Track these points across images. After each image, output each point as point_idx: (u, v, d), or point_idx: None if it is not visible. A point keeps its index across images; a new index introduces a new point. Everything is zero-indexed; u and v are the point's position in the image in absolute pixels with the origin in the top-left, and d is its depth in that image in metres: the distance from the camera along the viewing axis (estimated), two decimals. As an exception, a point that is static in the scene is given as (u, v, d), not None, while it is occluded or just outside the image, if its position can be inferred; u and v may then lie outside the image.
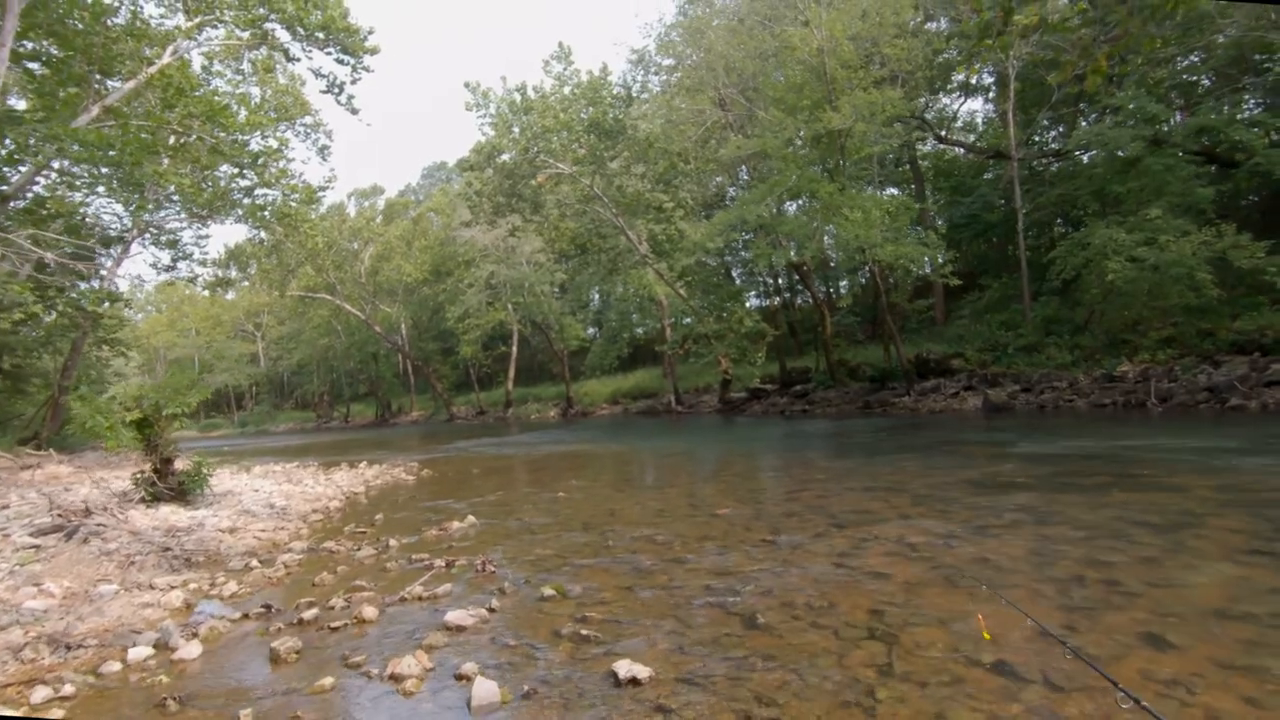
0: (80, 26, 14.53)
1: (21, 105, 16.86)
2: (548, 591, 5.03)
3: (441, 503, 9.92)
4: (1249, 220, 19.79)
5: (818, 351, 28.08)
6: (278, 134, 20.41)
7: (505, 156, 26.98)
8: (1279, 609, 3.83)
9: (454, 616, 4.53)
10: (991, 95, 29.27)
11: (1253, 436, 10.66)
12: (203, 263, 25.49)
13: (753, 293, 37.72)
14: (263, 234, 25.74)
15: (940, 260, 21.44)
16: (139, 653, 4.25)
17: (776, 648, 3.79)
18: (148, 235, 23.03)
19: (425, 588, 5.30)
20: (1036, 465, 9.33)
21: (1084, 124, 24.51)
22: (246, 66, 21.51)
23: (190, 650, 4.28)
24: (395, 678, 3.68)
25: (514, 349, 41.64)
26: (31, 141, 14.60)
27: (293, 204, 20.36)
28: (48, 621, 4.83)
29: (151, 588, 5.78)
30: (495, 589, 5.25)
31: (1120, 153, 19.82)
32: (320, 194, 22.64)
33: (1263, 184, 19.45)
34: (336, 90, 19.10)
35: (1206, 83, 22.76)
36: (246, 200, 20.54)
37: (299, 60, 18.76)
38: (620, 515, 7.99)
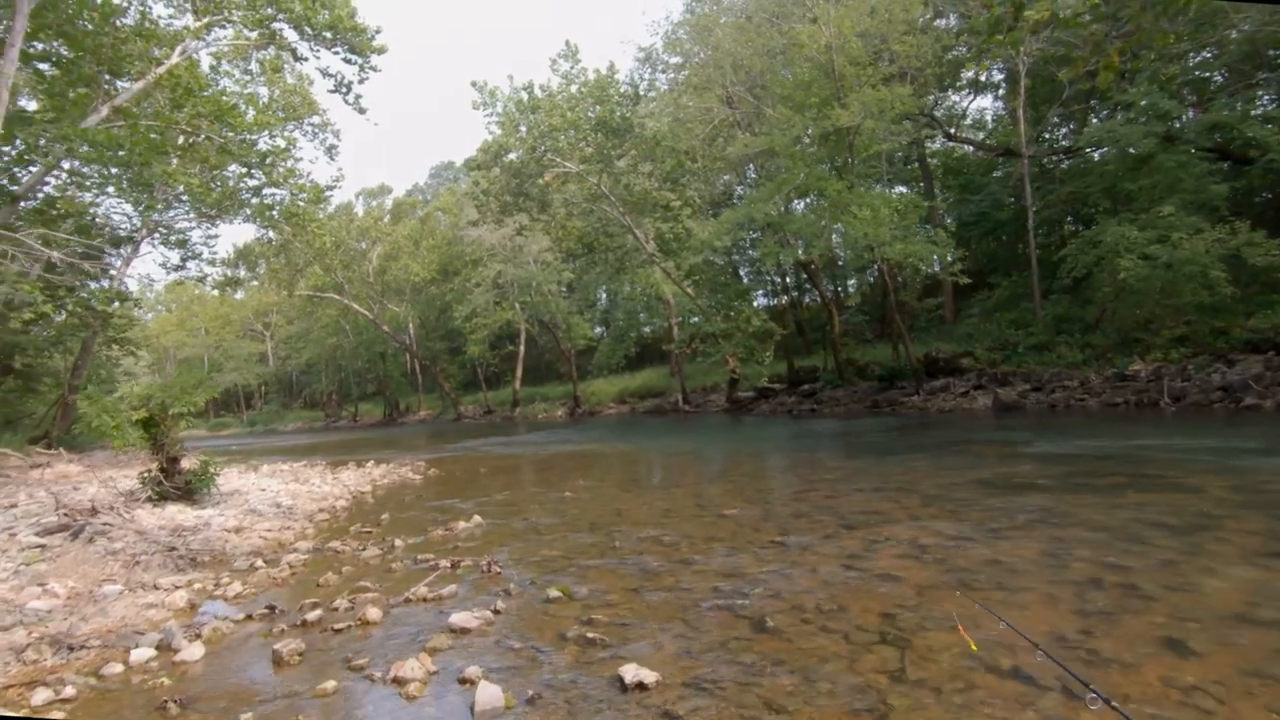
0: (90, 27, 14.59)
1: (32, 106, 16.95)
2: (553, 593, 4.97)
3: (448, 502, 9.88)
4: (1263, 217, 19.56)
5: (826, 350, 27.96)
6: (285, 133, 20.46)
7: (512, 155, 26.94)
8: (1302, 614, 3.74)
9: (458, 618, 4.47)
10: (1001, 92, 29.10)
11: (1269, 436, 10.52)
12: (212, 262, 25.64)
13: (760, 291, 37.62)
14: (271, 233, 25.84)
15: (949, 258, 21.28)
16: (141, 654, 4.22)
17: (786, 652, 3.72)
18: (157, 235, 23.13)
19: (430, 589, 5.25)
20: (1049, 465, 9.22)
21: (1095, 121, 24.29)
22: (254, 66, 21.58)
23: (193, 652, 4.25)
24: (398, 681, 3.62)
25: (521, 348, 41.66)
26: (42, 142, 14.69)
27: (301, 203, 20.42)
28: (51, 622, 4.81)
29: (156, 588, 5.76)
30: (500, 590, 5.20)
31: (1132, 150, 19.62)
32: (328, 193, 22.69)
33: (1277, 181, 19.27)
34: (344, 90, 19.08)
35: (1219, 79, 22.53)
36: (255, 200, 20.62)
37: (307, 60, 18.77)
38: (627, 515, 7.93)
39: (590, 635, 4.13)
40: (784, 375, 27.83)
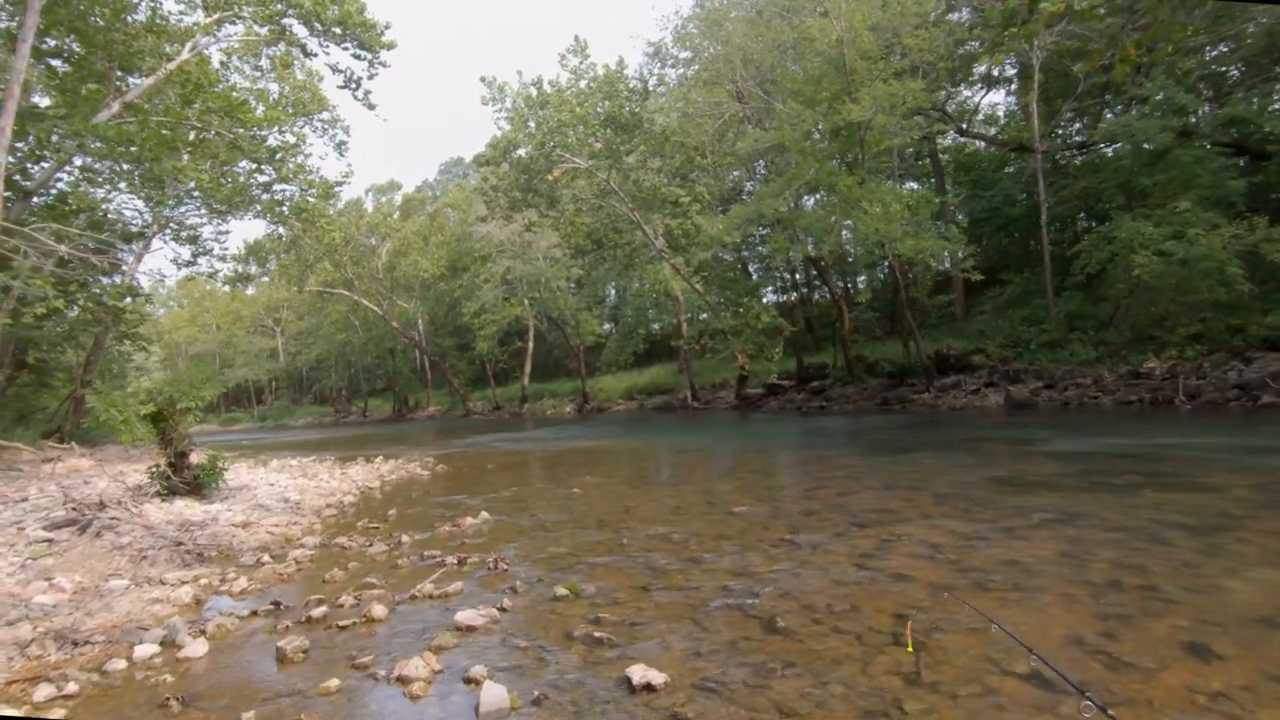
0: (101, 23, 14.62)
1: (44, 102, 17.02)
2: (561, 591, 4.91)
3: (456, 498, 9.85)
4: (1281, 213, 19.27)
5: (835, 347, 27.79)
6: (295, 129, 20.52)
7: (521, 151, 26.93)
8: (1330, 618, 3.63)
9: (464, 616, 4.42)
10: (1014, 87, 28.80)
11: (1288, 435, 10.34)
12: (222, 258, 25.78)
13: (770, 288, 37.50)
14: (281, 229, 25.93)
15: (961, 254, 21.09)
16: (145, 650, 4.18)
17: (797, 653, 3.64)
18: (168, 231, 23.26)
19: (436, 585, 5.20)
20: (1062, 463, 9.10)
21: (1109, 116, 24.00)
22: (265, 63, 21.64)
23: (196, 648, 4.21)
24: (402, 680, 3.57)
25: (530, 344, 41.66)
26: (54, 137, 14.76)
27: (310, 199, 20.48)
28: (56, 617, 4.78)
29: (162, 583, 5.73)
30: (507, 587, 5.14)
31: (1147, 145, 19.37)
32: (337, 189, 22.74)
33: (1295, 176, 18.95)
34: (354, 85, 19.08)
35: (1236, 73, 22.20)
36: (265, 196, 20.69)
37: (316, 56, 18.77)
38: (635, 512, 7.87)
39: (598, 634, 4.06)
40: (793, 372, 27.71)
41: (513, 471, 13.24)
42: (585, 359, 39.13)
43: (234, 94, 16.86)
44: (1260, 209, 18.08)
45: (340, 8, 17.39)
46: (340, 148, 23.79)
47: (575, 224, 28.99)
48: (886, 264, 24.04)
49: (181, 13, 17.36)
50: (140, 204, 20.78)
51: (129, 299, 21.04)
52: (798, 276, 35.30)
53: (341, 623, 4.54)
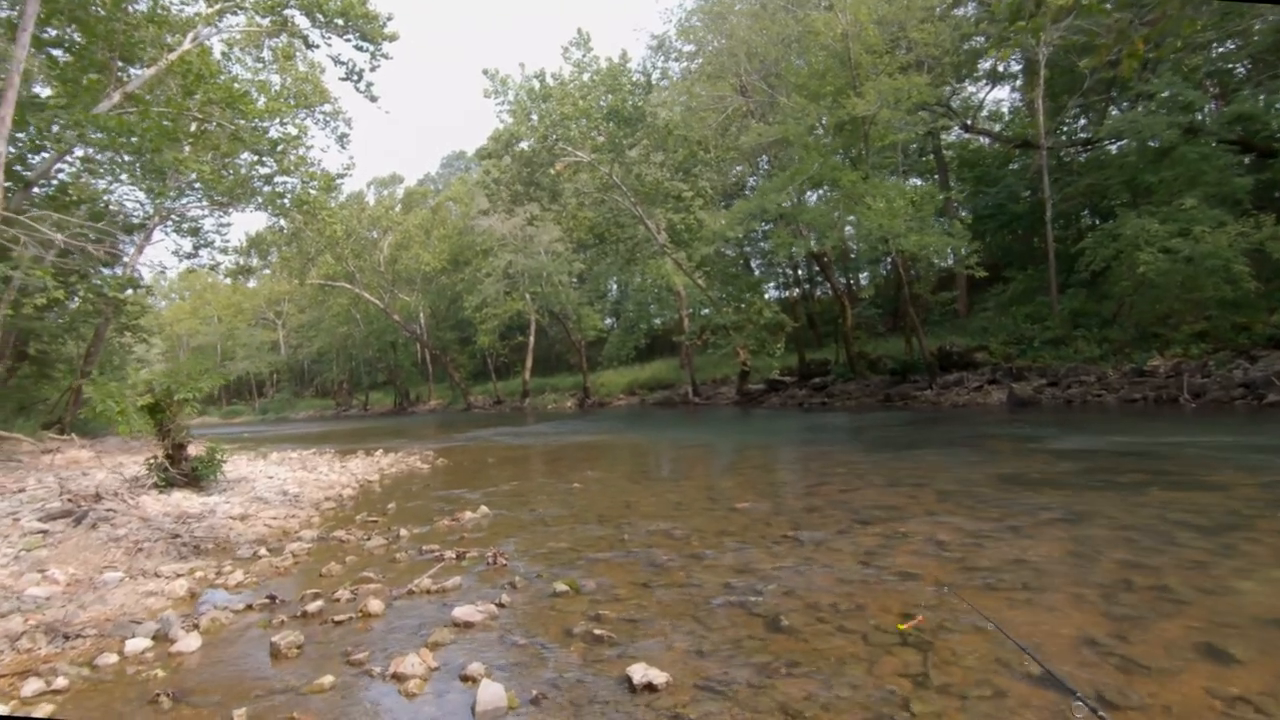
0: (102, 13, 14.53)
1: (45, 92, 16.92)
2: (560, 587, 4.83)
3: (455, 492, 9.78)
4: (1288, 211, 19.12)
5: (837, 343, 27.67)
6: (297, 121, 20.43)
7: (524, 144, 26.81)
8: (1347, 620, 3.54)
9: (462, 612, 4.34)
10: (1019, 83, 28.58)
11: (1295, 434, 10.25)
12: (224, 250, 25.67)
13: (772, 283, 37.33)
14: (282, 222, 25.85)
15: (964, 251, 20.96)
16: (137, 644, 4.11)
17: (801, 653, 3.56)
18: (169, 222, 23.14)
19: (434, 580, 5.13)
20: (1067, 461, 9.01)
21: (1115, 112, 23.82)
22: (266, 54, 21.56)
23: (189, 643, 4.13)
24: (398, 677, 3.49)
25: (531, 339, 41.60)
26: (54, 127, 14.63)
27: (312, 191, 20.38)
28: (49, 609, 4.72)
29: (157, 575, 5.67)
30: (506, 583, 5.06)
31: (1153, 142, 19.22)
32: (339, 181, 22.65)
33: (1303, 174, 18.81)
34: (355, 77, 18.98)
35: (1243, 70, 22.02)
36: (266, 188, 20.61)
37: (318, 47, 18.71)
38: (636, 508, 7.79)
39: (598, 632, 3.99)
40: (795, 368, 27.60)
41: (513, 466, 13.18)
42: (587, 354, 39.05)
43: (235, 85, 16.75)
44: (1267, 207, 17.92)
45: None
46: (342, 140, 23.70)
47: (577, 218, 28.89)
48: (889, 260, 23.91)
49: (183, 3, 17.25)
50: (141, 195, 20.71)
51: (130, 290, 20.98)
52: (800, 272, 35.21)
53: (337, 618, 4.47)
